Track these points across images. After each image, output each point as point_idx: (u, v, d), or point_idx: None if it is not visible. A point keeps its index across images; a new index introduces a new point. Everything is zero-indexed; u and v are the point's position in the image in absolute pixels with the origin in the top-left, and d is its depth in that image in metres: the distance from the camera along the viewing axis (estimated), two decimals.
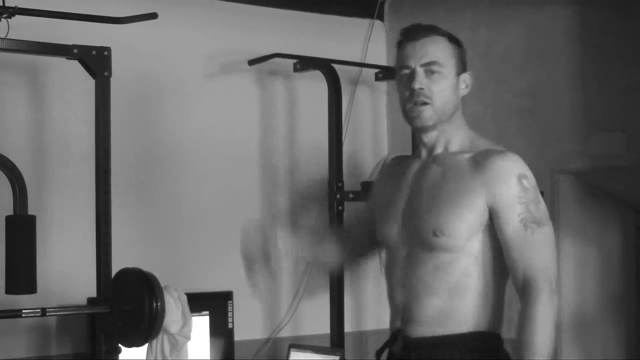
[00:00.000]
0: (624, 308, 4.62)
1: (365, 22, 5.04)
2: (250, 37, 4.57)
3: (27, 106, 3.99)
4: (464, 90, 2.46)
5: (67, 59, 3.51)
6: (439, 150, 2.39)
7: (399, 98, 2.40)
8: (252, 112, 4.62)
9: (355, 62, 4.81)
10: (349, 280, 4.67)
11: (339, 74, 4.42)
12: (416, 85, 2.31)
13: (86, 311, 3.69)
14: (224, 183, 4.48)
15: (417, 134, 2.43)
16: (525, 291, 2.24)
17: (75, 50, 3.47)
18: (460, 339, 2.27)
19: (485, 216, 2.28)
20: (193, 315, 3.77)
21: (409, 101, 2.34)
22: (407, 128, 4.69)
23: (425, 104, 2.33)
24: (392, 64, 5.02)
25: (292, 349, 4.20)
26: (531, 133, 4.48)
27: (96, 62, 3.49)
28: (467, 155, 2.33)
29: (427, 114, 2.34)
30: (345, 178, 4.33)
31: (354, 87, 4.91)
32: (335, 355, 4.04)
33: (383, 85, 5.06)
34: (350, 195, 4.28)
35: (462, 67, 2.44)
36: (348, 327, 4.53)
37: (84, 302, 3.84)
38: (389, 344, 2.43)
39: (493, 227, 2.29)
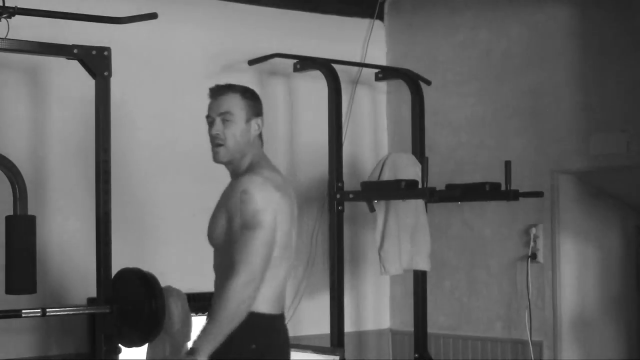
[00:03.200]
0: (624, 308, 4.62)
1: (365, 22, 5.04)
2: (250, 37, 4.57)
3: (27, 106, 3.99)
4: (256, 131, 3.01)
5: (67, 59, 3.51)
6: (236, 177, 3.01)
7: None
8: None
9: (355, 62, 4.81)
10: (349, 281, 4.67)
11: (339, 74, 4.42)
12: (213, 131, 2.95)
13: (86, 311, 3.69)
14: (225, 183, 4.47)
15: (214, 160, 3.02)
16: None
17: (75, 50, 3.47)
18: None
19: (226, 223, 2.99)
20: (193, 315, 3.77)
21: (211, 142, 2.97)
22: (408, 127, 4.72)
23: (220, 145, 2.95)
24: (392, 64, 5.03)
25: (292, 349, 4.19)
26: (531, 133, 4.48)
27: (96, 62, 3.50)
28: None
29: (221, 153, 2.96)
30: (345, 178, 4.33)
31: (354, 87, 4.91)
32: (335, 355, 4.04)
33: (383, 85, 5.06)
34: (350, 195, 4.28)
35: (254, 114, 3.00)
36: (348, 327, 4.53)
37: (84, 302, 3.84)
38: None
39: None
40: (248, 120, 2.99)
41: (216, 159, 2.98)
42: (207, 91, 3.07)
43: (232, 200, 2.94)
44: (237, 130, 2.96)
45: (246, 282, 2.86)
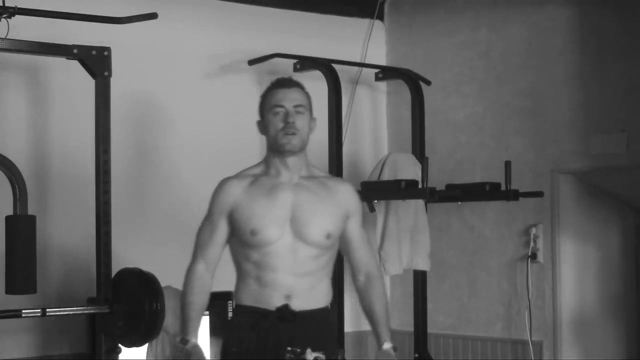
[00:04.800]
0: (623, 308, 4.62)
1: (365, 22, 5.04)
2: (250, 37, 4.57)
3: (28, 106, 3.99)
4: (312, 130, 3.05)
5: (67, 59, 3.52)
6: (297, 174, 3.01)
7: (266, 129, 3.03)
8: (252, 112, 4.60)
9: (355, 62, 4.81)
10: (349, 281, 4.67)
11: (339, 74, 4.41)
12: (290, 119, 2.96)
13: (86, 311, 3.69)
14: None
15: (280, 159, 3.01)
16: (372, 276, 3.11)
17: (75, 50, 3.48)
18: (324, 311, 3.05)
19: (343, 224, 3.05)
20: None
21: (282, 131, 2.97)
22: (408, 127, 4.72)
23: (294, 134, 2.96)
24: (392, 64, 5.03)
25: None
26: (531, 133, 4.48)
27: (96, 62, 3.50)
28: (322, 180, 3.06)
29: (295, 142, 2.96)
30: (345, 178, 4.33)
31: (354, 87, 4.91)
32: (336, 355, 4.04)
33: (383, 85, 5.06)
34: None
35: (312, 113, 3.07)
36: (348, 327, 4.53)
37: (84, 302, 3.84)
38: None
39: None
40: (312, 117, 3.07)
41: (288, 147, 2.98)
42: (269, 82, 3.11)
43: (352, 199, 3.07)
44: (307, 122, 3.02)
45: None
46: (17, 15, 3.41)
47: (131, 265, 3.50)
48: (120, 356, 3.53)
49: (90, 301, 3.74)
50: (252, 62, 4.48)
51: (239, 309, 3.03)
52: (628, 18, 4.19)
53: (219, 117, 4.48)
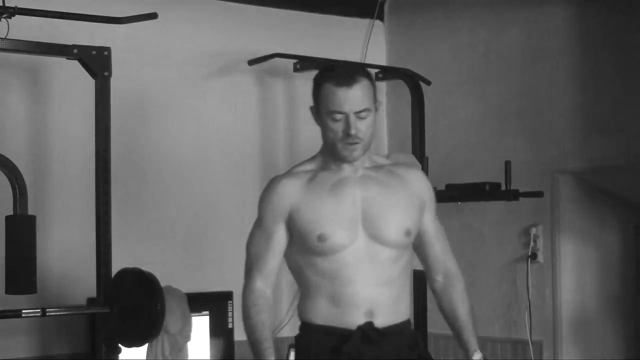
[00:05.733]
0: (623, 308, 4.62)
1: (365, 22, 5.04)
2: (250, 37, 4.57)
3: (28, 106, 3.99)
4: (377, 113, 2.70)
5: (67, 59, 3.52)
6: (362, 166, 2.65)
7: (324, 131, 2.64)
8: (252, 112, 4.62)
9: (355, 62, 4.81)
10: None
11: None
12: (352, 131, 2.57)
13: (86, 311, 3.69)
14: (224, 183, 4.49)
15: (343, 160, 2.63)
16: (450, 275, 2.76)
17: (75, 50, 3.48)
18: (408, 324, 2.73)
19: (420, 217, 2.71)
20: (193, 315, 3.77)
21: (341, 141, 2.59)
22: (408, 128, 4.72)
23: (357, 143, 2.58)
24: (392, 64, 5.03)
25: (292, 349, 4.20)
26: (531, 133, 4.48)
27: (96, 62, 3.50)
28: (389, 168, 2.70)
29: (358, 153, 2.60)
30: None
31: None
32: None
33: (383, 85, 5.06)
34: None
35: (376, 98, 2.69)
36: None
37: (84, 302, 3.84)
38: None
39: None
40: (376, 106, 2.67)
41: (350, 159, 2.60)
42: (325, 72, 2.65)
43: (426, 187, 2.72)
44: (371, 122, 2.61)
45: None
46: (17, 15, 3.41)
47: (131, 265, 3.50)
48: (120, 356, 3.53)
49: (90, 301, 3.74)
50: (252, 62, 4.48)
51: (310, 328, 2.63)
52: (627, 19, 4.19)
53: (218, 117, 4.48)
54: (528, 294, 4.44)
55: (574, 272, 4.46)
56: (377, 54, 5.04)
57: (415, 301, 4.58)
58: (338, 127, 2.58)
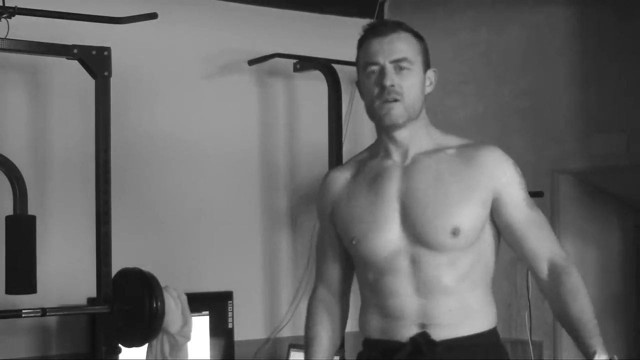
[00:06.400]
0: (623, 308, 4.62)
1: (365, 22, 5.02)
2: (250, 37, 4.57)
3: (27, 106, 3.99)
4: (428, 87, 2.40)
5: (67, 59, 3.51)
6: (414, 149, 2.29)
7: (362, 94, 2.32)
8: (252, 112, 4.62)
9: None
10: None
11: (339, 74, 4.42)
12: (387, 82, 2.22)
13: (86, 311, 3.69)
14: (224, 183, 4.49)
15: (386, 133, 2.29)
16: (559, 266, 2.28)
17: (75, 50, 3.47)
18: (482, 337, 2.30)
19: (488, 210, 2.29)
20: (193, 315, 3.77)
21: (378, 98, 2.24)
22: None
23: (395, 100, 2.23)
24: None
25: (292, 349, 4.20)
26: (531, 133, 4.48)
27: (96, 62, 3.50)
28: (451, 151, 2.32)
29: (398, 112, 2.24)
30: None
31: (354, 87, 4.90)
32: (335, 355, 4.04)
33: None
34: None
35: (427, 64, 2.38)
36: (348, 327, 4.52)
37: (84, 302, 3.84)
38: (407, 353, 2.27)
39: (491, 219, 2.32)
40: (424, 71, 2.35)
41: (388, 120, 2.23)
42: (363, 30, 2.44)
43: (500, 168, 2.29)
44: (417, 81, 2.29)
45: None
46: (17, 15, 3.41)
47: (131, 265, 3.50)
48: (120, 356, 3.52)
49: (90, 301, 3.74)
50: (252, 62, 4.48)
51: (367, 342, 2.41)
52: (627, 18, 4.19)
53: (218, 117, 4.48)
54: (528, 294, 4.44)
55: None
56: None
57: None
58: (372, 82, 2.25)
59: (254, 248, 4.52)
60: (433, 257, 2.22)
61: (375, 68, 2.26)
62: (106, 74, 3.50)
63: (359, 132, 4.97)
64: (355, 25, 5.03)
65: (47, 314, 3.44)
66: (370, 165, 2.33)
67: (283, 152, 4.67)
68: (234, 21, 4.55)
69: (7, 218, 3.37)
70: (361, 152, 2.42)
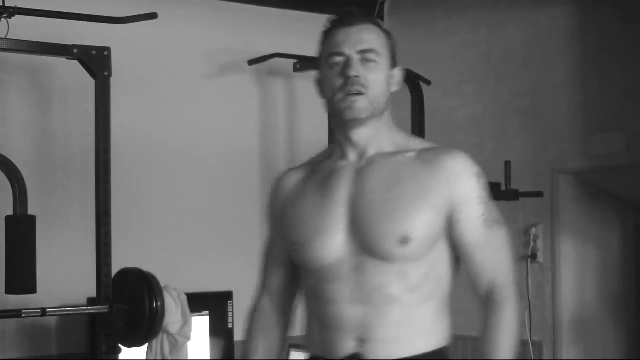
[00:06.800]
0: (624, 308, 4.62)
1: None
2: (250, 37, 4.57)
3: (28, 106, 3.99)
4: (394, 86, 2.15)
5: (67, 59, 3.51)
6: (373, 150, 2.10)
7: (323, 89, 2.15)
8: (252, 112, 4.62)
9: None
10: None
11: None
12: (352, 73, 2.04)
13: (86, 311, 3.69)
14: (224, 183, 4.49)
15: (344, 131, 2.11)
16: (493, 297, 2.09)
17: (75, 50, 3.47)
18: (424, 358, 2.08)
19: (444, 219, 2.06)
20: (193, 315, 3.77)
21: (340, 91, 2.07)
22: (408, 127, 4.72)
23: (359, 93, 2.05)
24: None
25: (292, 349, 4.20)
26: (531, 133, 4.48)
27: (96, 62, 3.49)
28: (411, 154, 2.09)
29: (361, 105, 2.05)
30: None
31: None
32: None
33: None
34: None
35: (394, 61, 2.15)
36: None
37: (84, 302, 3.84)
38: None
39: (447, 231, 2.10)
40: (392, 68, 2.14)
41: (350, 114, 2.06)
42: (329, 21, 2.19)
43: (462, 178, 2.06)
44: (383, 76, 2.09)
45: (518, 300, 2.11)
46: (17, 15, 3.41)
47: (131, 265, 3.50)
48: (120, 356, 3.52)
49: (90, 301, 3.74)
50: (252, 62, 4.48)
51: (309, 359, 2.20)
52: (628, 18, 4.19)
53: (218, 117, 4.48)
54: (528, 294, 4.44)
55: (574, 272, 4.46)
56: None
57: None
58: (336, 74, 2.08)
59: (254, 248, 4.50)
60: (380, 267, 2.02)
61: (339, 59, 2.07)
62: (106, 74, 3.49)
63: None
64: None
65: (47, 314, 3.44)
66: (324, 166, 2.16)
67: (283, 152, 4.67)
68: (234, 21, 4.55)
69: (7, 218, 3.37)
70: (319, 154, 2.26)
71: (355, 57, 2.06)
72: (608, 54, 4.25)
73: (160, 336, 3.58)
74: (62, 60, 3.57)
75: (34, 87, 3.99)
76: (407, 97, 4.70)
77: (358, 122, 2.08)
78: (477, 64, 4.72)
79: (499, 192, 4.20)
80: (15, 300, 3.46)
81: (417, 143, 2.14)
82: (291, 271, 2.23)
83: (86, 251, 3.63)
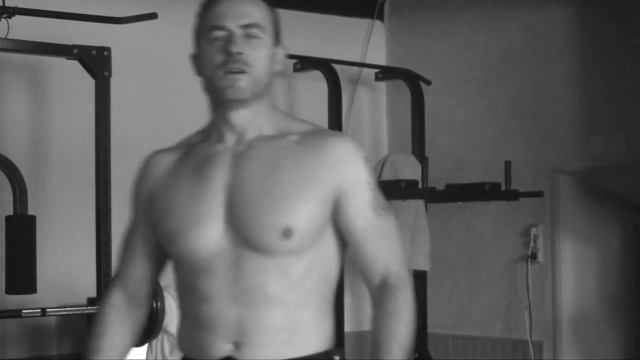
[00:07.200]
0: (623, 308, 4.62)
1: (365, 22, 5.04)
2: None
3: (27, 106, 3.99)
4: (276, 66, 2.00)
5: (67, 59, 3.51)
6: (253, 133, 1.91)
7: (201, 66, 1.95)
8: None
9: (355, 62, 4.81)
10: (349, 281, 4.66)
11: (339, 74, 4.42)
12: (235, 49, 1.85)
13: (86, 311, 3.69)
14: None
15: (223, 112, 1.94)
16: (388, 284, 1.93)
17: (75, 50, 3.47)
18: None
19: (330, 208, 1.89)
20: None
21: (221, 68, 1.87)
22: (408, 127, 4.72)
23: (242, 72, 1.87)
24: (392, 64, 5.02)
25: None
26: (531, 133, 4.48)
27: (96, 62, 3.50)
28: (294, 138, 1.91)
29: (244, 84, 1.87)
30: None
31: (354, 87, 4.91)
32: (335, 355, 4.04)
33: (383, 85, 5.05)
34: None
35: (278, 38, 2.03)
36: (348, 327, 4.53)
37: (84, 302, 3.84)
38: None
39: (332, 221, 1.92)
40: (276, 45, 2.01)
41: (231, 94, 1.88)
42: None
43: (348, 163, 1.90)
44: (267, 54, 1.94)
45: (412, 287, 1.96)
46: (17, 15, 3.41)
47: None
48: None
49: (90, 301, 3.74)
50: None
51: None
52: (627, 19, 4.19)
53: None
54: (528, 294, 4.44)
55: (574, 272, 4.46)
56: (377, 54, 5.04)
57: (415, 302, 4.56)
58: (216, 49, 1.88)
59: None
60: (259, 261, 1.84)
61: (221, 33, 1.87)
62: (106, 74, 3.50)
63: (359, 132, 4.97)
64: (355, 25, 5.07)
65: (47, 314, 3.44)
66: (199, 149, 1.97)
67: None
68: None
69: (7, 218, 3.37)
70: (193, 135, 2.08)
71: (238, 32, 1.88)
72: (608, 54, 4.25)
73: (160, 336, 3.58)
74: (62, 60, 3.57)
75: (34, 87, 3.99)
76: (407, 97, 4.71)
77: (239, 102, 1.89)
78: (477, 64, 4.72)
79: (499, 192, 4.20)
80: (15, 300, 3.46)
81: (299, 125, 1.96)
82: (153, 264, 2.02)
83: (86, 251, 3.63)
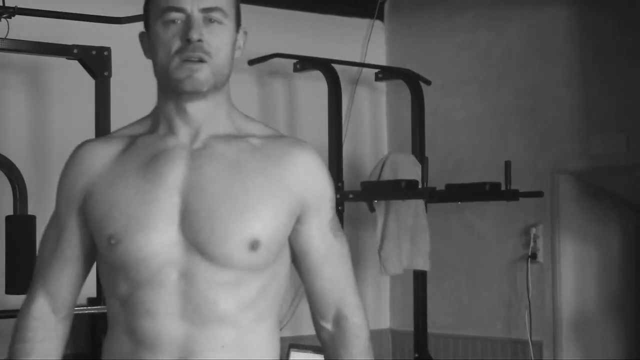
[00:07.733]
0: (623, 308, 4.62)
1: (365, 22, 5.04)
2: (250, 37, 4.55)
3: (28, 106, 3.99)
4: (237, 51, 1.79)
5: (67, 59, 3.51)
6: (209, 129, 1.72)
7: (153, 50, 1.81)
8: (252, 112, 4.58)
9: (355, 62, 4.81)
10: None
11: (339, 74, 4.41)
12: (194, 36, 1.66)
13: (86, 311, 3.69)
14: None
15: (177, 102, 1.72)
16: (347, 320, 1.81)
17: (75, 50, 3.47)
18: None
19: (294, 222, 1.74)
20: None
21: (177, 55, 1.69)
22: (408, 127, 4.72)
23: (202, 61, 1.67)
24: (392, 64, 5.03)
25: (292, 349, 4.20)
26: (531, 133, 4.48)
27: (96, 62, 3.49)
28: (256, 142, 1.74)
29: (203, 75, 1.67)
30: (345, 178, 4.33)
31: (354, 87, 4.91)
32: None
33: (383, 85, 5.06)
34: (350, 196, 4.27)
35: (239, 22, 1.79)
36: None
37: (84, 302, 3.84)
38: None
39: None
40: (237, 30, 1.78)
41: (189, 86, 1.68)
42: None
43: (314, 178, 1.75)
44: (229, 41, 1.72)
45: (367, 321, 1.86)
46: (17, 15, 3.41)
47: None
48: None
49: (90, 301, 3.74)
50: (252, 62, 4.48)
51: None
52: (628, 18, 4.19)
53: None
54: (528, 294, 4.44)
55: (574, 272, 4.46)
56: (377, 54, 5.04)
57: (415, 301, 4.57)
58: (172, 34, 1.70)
59: None
60: (214, 274, 1.64)
61: (178, 16, 1.69)
62: (106, 74, 3.50)
63: (359, 132, 4.97)
64: (355, 25, 5.08)
65: None
66: (145, 142, 1.75)
67: None
68: None
69: (7, 218, 3.37)
70: (130, 125, 1.87)
71: (198, 16, 1.68)
72: (608, 54, 4.25)
73: None
74: (62, 60, 3.57)
75: (34, 87, 3.99)
76: (407, 97, 4.71)
77: (197, 94, 1.69)
78: (477, 64, 4.72)
79: (499, 192, 4.20)
80: (16, 300, 3.46)
81: (257, 127, 1.79)
82: (82, 270, 1.83)
83: None
